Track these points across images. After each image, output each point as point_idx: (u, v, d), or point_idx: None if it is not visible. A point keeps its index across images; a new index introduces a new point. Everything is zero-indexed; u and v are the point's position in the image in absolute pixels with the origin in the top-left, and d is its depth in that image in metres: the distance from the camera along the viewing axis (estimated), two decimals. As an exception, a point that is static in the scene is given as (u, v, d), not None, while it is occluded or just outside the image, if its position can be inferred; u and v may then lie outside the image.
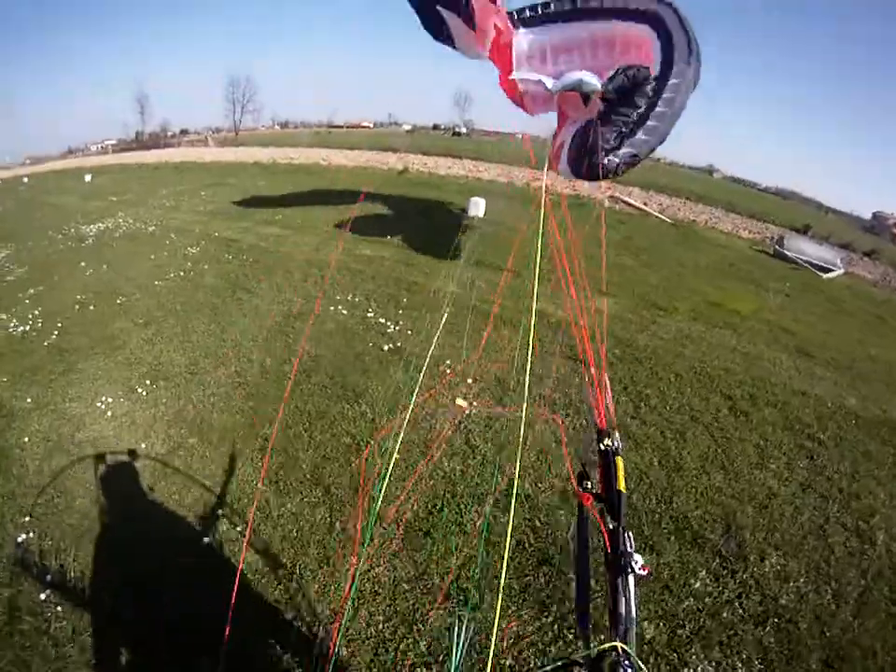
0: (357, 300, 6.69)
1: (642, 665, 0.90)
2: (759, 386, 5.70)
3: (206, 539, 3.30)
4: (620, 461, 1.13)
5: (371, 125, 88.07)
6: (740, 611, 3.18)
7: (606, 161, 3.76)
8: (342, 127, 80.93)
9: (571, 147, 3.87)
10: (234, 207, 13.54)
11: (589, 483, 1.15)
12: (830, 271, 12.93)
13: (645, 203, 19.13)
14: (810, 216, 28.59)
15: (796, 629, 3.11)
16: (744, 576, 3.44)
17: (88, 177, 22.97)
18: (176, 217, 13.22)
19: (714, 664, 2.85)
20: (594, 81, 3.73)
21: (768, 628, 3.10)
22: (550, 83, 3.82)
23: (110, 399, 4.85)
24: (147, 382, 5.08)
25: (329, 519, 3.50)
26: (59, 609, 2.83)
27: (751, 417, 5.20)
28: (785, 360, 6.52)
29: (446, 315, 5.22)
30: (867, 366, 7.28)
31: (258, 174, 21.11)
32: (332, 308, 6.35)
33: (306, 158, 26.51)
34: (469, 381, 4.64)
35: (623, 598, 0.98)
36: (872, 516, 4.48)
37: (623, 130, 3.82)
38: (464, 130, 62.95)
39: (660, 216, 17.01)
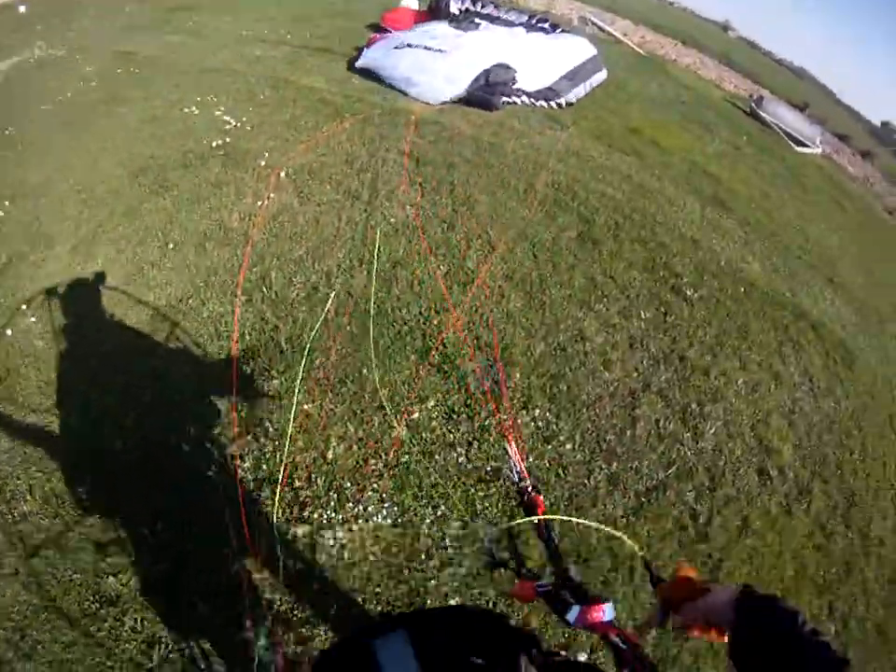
0: (214, 99, 6.49)
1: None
2: (634, 220, 5.12)
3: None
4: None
5: None
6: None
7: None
8: None
9: None
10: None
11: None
12: (806, 146, 12.81)
13: (625, 35, 17.58)
14: (817, 99, 28.00)
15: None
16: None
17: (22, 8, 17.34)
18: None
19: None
20: None
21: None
22: None
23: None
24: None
25: None
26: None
27: (604, 248, 4.76)
28: (690, 203, 6.13)
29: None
30: (797, 241, 7.18)
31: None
32: (186, 109, 6.22)
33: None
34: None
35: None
36: (714, 400, 3.86)
37: None
38: None
39: (634, 45, 15.92)
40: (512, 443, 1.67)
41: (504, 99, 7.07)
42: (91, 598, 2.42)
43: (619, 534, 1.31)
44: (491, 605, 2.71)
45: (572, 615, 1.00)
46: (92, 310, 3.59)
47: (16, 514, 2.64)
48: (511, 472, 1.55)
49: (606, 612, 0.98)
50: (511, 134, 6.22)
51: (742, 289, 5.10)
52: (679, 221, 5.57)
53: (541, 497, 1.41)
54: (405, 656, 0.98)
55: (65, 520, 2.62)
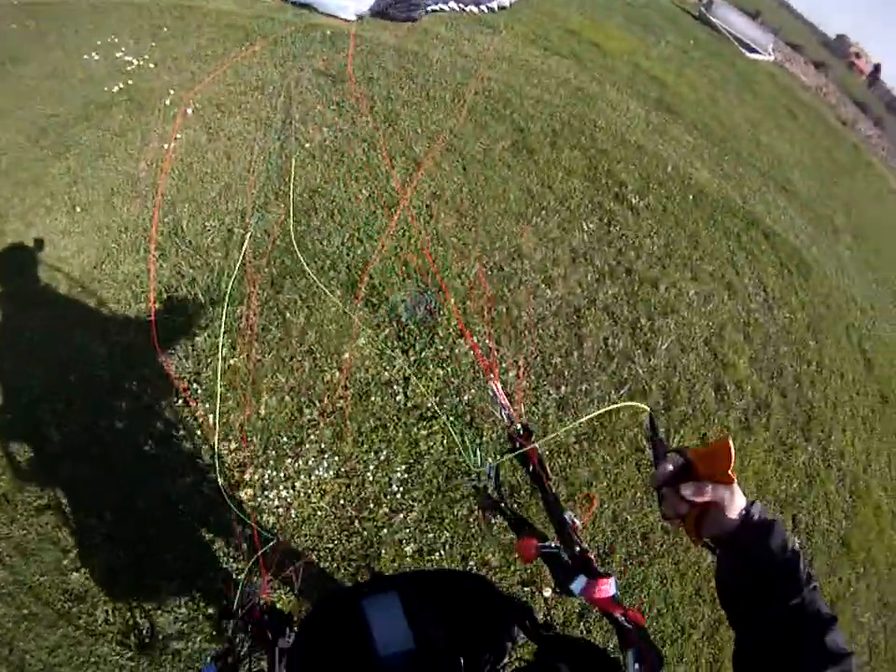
0: (115, 39, 5.86)
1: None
2: (573, 126, 4.96)
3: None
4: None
5: None
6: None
7: None
8: None
9: None
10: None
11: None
12: (757, 53, 13.01)
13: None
14: (770, 8, 28.04)
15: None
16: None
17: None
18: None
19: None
20: None
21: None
22: None
23: None
24: None
25: None
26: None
27: (540, 157, 4.59)
28: (634, 108, 6.02)
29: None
30: (748, 148, 7.19)
31: None
32: (86, 56, 5.60)
33: None
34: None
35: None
36: (665, 314, 3.77)
37: None
38: None
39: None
40: (498, 383, 1.49)
41: (430, 7, 6.59)
42: (62, 598, 2.45)
43: (625, 404, 1.24)
44: (448, 545, 2.71)
45: (577, 586, 0.95)
46: (6, 293, 3.41)
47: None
48: (500, 414, 1.45)
49: (611, 587, 0.93)
50: (438, 42, 5.86)
51: (691, 197, 5.04)
52: (623, 127, 5.46)
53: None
54: (395, 618, 0.99)
55: (21, 523, 2.59)
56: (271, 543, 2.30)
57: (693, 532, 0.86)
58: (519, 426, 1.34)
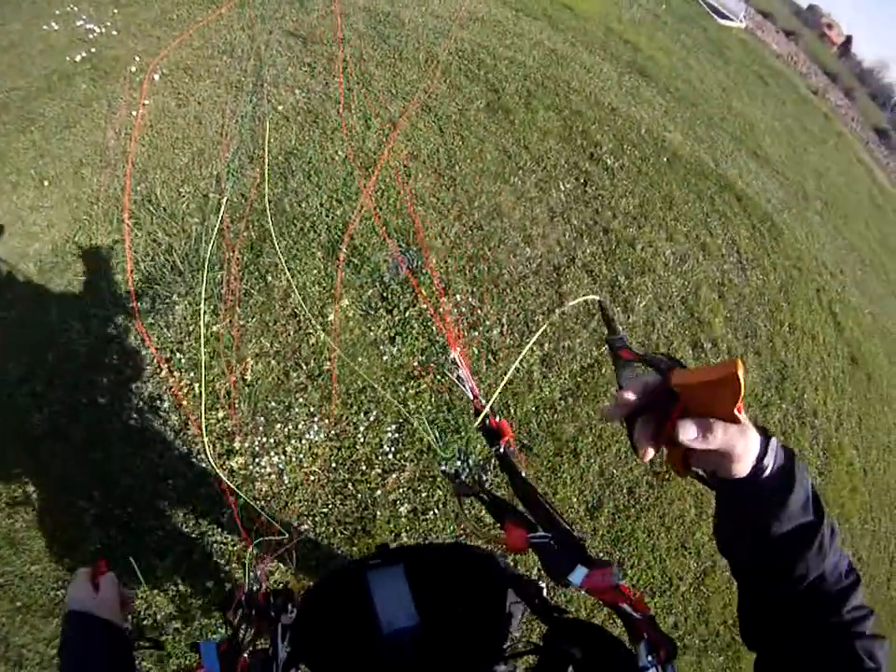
0: (74, 8, 5.51)
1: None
2: (547, 86, 5.00)
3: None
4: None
5: None
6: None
7: None
8: None
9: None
10: None
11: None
12: (728, 19, 13.07)
13: None
14: None
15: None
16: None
17: None
18: None
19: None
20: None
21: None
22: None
23: None
24: None
25: None
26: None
27: (515, 118, 4.62)
28: (607, 71, 6.04)
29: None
30: (720, 113, 7.35)
31: None
32: (45, 27, 5.33)
33: None
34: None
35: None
36: (642, 273, 3.89)
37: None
38: None
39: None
40: (460, 354, 1.44)
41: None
42: (55, 586, 2.46)
43: (580, 300, 1.23)
44: (441, 504, 2.78)
45: (577, 577, 0.88)
46: None
47: (-38, 522, 2.61)
48: (464, 388, 1.38)
49: (614, 575, 0.85)
50: (409, 2, 5.78)
51: (665, 159, 5.13)
52: (596, 89, 5.50)
53: (507, 422, 1.28)
54: (399, 591, 0.97)
55: (8, 512, 2.58)
56: (283, 538, 2.23)
57: (680, 465, 0.66)
58: (484, 402, 1.30)
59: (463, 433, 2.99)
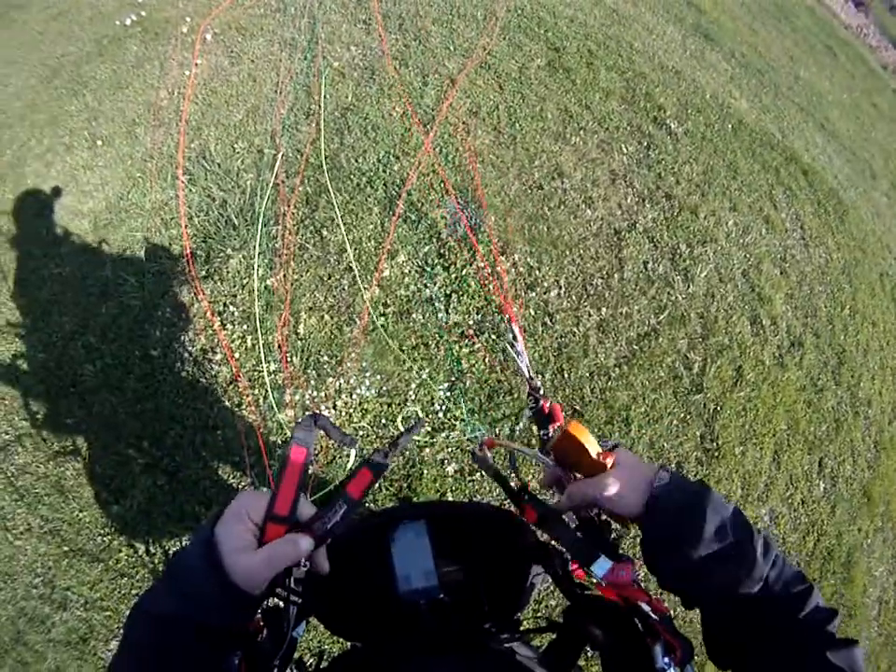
0: None
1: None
2: (609, 47, 5.00)
3: None
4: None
5: None
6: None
7: None
8: None
9: None
10: None
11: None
12: None
13: None
14: None
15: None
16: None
17: None
18: None
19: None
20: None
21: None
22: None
23: None
24: None
25: None
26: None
27: (577, 77, 4.68)
28: (671, 33, 5.99)
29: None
30: (787, 82, 7.26)
31: None
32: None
33: None
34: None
35: None
36: (704, 242, 3.97)
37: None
38: None
39: None
40: (518, 327, 1.44)
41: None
42: (102, 532, 2.66)
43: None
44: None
45: (600, 568, 0.85)
46: (32, 234, 3.54)
47: (14, 469, 2.78)
48: (521, 365, 1.38)
49: (634, 572, 0.84)
50: (463, -43, 5.83)
51: (730, 126, 5.12)
52: (660, 51, 5.49)
53: (559, 406, 1.26)
54: (420, 547, 0.97)
55: (58, 461, 2.79)
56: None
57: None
58: (536, 381, 1.31)
59: (516, 395, 3.12)
